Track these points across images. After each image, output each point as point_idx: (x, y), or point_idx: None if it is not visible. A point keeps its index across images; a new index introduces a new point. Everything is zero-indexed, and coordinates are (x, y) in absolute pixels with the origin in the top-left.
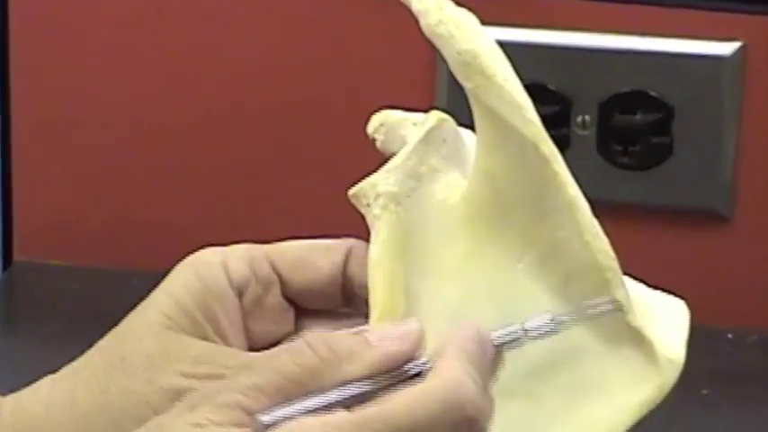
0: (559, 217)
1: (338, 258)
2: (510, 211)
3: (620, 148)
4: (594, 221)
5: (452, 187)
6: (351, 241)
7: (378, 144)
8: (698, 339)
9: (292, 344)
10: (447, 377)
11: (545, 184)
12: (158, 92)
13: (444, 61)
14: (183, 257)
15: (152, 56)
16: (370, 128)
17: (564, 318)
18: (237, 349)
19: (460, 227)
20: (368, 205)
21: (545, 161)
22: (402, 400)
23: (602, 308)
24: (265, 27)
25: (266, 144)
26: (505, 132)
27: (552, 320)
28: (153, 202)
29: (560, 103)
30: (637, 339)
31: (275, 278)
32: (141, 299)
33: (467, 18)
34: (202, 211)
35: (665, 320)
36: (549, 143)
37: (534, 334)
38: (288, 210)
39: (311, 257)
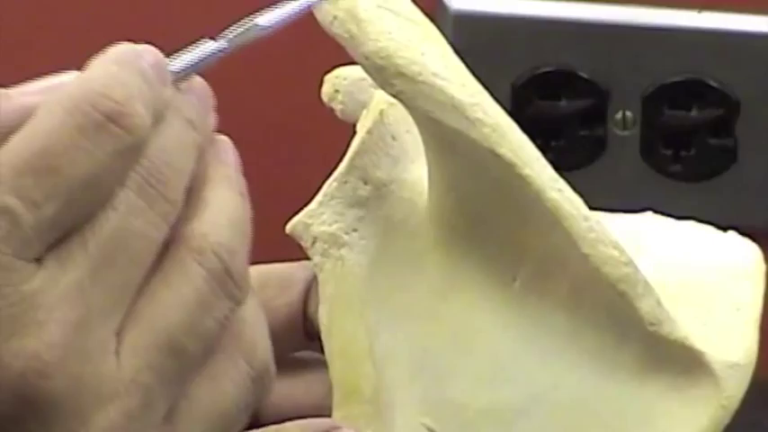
0: (544, 224)
1: (295, 296)
2: (484, 225)
3: (669, 152)
4: (591, 220)
5: (413, 199)
6: (310, 270)
7: (338, 114)
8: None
9: None
10: (72, 83)
11: (516, 191)
12: None
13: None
14: None
15: None
16: (325, 95)
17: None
18: None
19: (430, 252)
20: (307, 249)
21: (508, 166)
22: (22, 131)
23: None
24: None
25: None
26: (452, 138)
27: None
28: None
29: (595, 96)
30: (681, 353)
31: None
32: None
33: (370, 5)
34: None
35: (726, 301)
36: (512, 140)
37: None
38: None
39: (262, 298)
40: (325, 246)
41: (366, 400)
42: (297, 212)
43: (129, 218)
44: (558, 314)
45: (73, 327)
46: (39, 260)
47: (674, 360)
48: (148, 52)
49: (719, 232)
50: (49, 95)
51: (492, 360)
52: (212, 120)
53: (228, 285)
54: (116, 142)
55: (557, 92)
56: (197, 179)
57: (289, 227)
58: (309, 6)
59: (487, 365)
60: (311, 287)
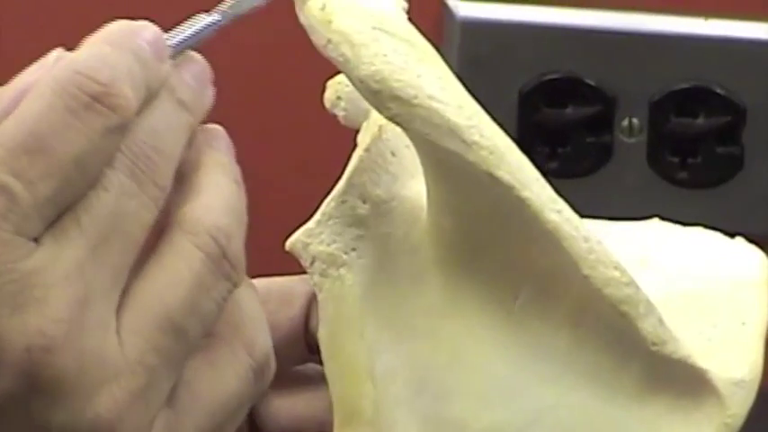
0: (544, 246)
1: (297, 310)
2: (483, 246)
3: (676, 159)
4: (591, 241)
5: (413, 215)
6: (311, 284)
7: (341, 120)
8: None
9: None
10: (59, 65)
11: (515, 213)
12: None
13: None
14: None
15: None
16: (327, 102)
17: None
18: None
19: (430, 269)
20: (306, 268)
21: (507, 188)
22: (14, 113)
23: None
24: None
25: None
26: (450, 160)
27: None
28: None
29: (601, 103)
30: (684, 372)
31: None
32: None
33: (365, 27)
34: None
35: (731, 314)
36: (510, 162)
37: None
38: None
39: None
40: (324, 266)
41: (367, 420)
42: (299, 224)
43: (121, 198)
44: (559, 335)
45: (75, 303)
46: (37, 239)
47: (678, 379)
48: (146, 29)
49: (727, 239)
50: (38, 75)
51: (492, 380)
52: (209, 94)
53: (225, 267)
54: (103, 121)
55: (563, 99)
56: (191, 164)
57: (288, 244)
58: None
59: (488, 385)
60: (312, 301)
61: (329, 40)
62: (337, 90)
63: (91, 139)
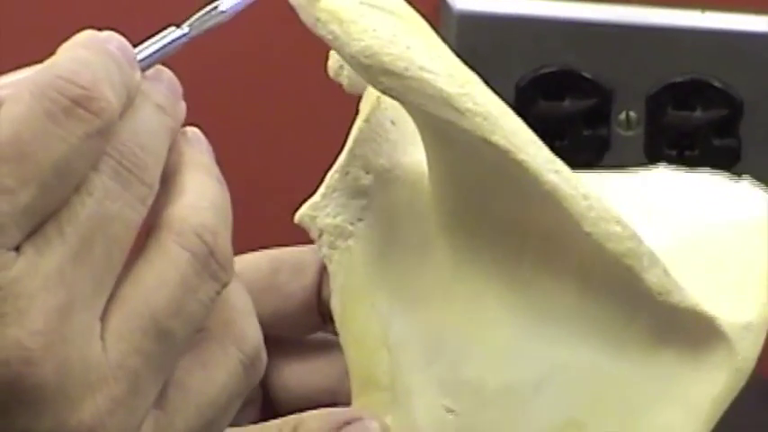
0: (545, 207)
1: (309, 279)
2: (486, 211)
3: (673, 152)
4: (591, 198)
5: (416, 182)
6: None
7: (345, 88)
8: None
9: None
10: (38, 69)
11: (512, 177)
12: None
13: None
14: None
15: None
16: (330, 70)
17: None
18: None
19: (437, 236)
20: (315, 240)
21: (503, 153)
22: None
23: None
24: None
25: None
26: (446, 129)
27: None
28: None
29: (598, 96)
30: (693, 320)
31: None
32: None
33: (352, 3)
34: None
35: (738, 259)
36: (505, 126)
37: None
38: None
39: (276, 283)
40: (332, 238)
41: (383, 387)
42: (304, 199)
43: (105, 202)
44: (566, 292)
45: (56, 313)
46: (17, 248)
47: (686, 328)
48: (113, 38)
49: (732, 182)
50: (18, 85)
51: (504, 340)
52: (182, 107)
53: (212, 266)
54: (85, 126)
55: (560, 92)
56: (172, 166)
57: (297, 217)
58: None
59: (501, 345)
60: (324, 270)
61: (318, 19)
62: (339, 59)
63: (72, 144)
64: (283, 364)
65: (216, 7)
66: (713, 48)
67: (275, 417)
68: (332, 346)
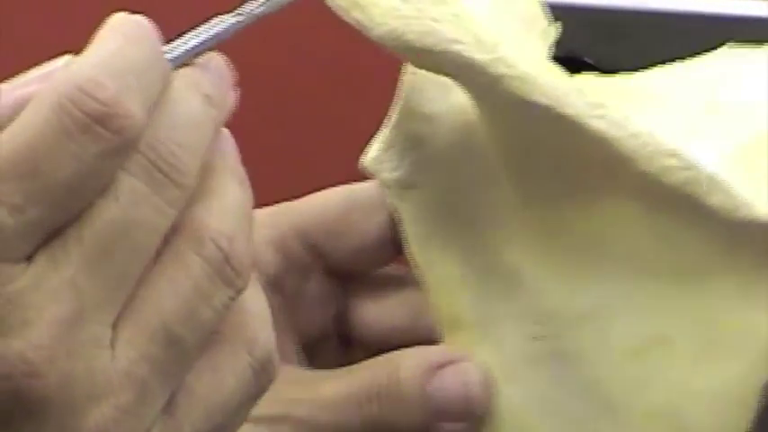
0: (596, 146)
1: (384, 216)
2: (540, 150)
3: None
4: (642, 135)
5: (470, 119)
6: None
7: None
8: None
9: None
10: (58, 77)
11: (560, 129)
12: None
13: None
14: None
15: None
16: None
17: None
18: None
19: (497, 171)
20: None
21: (545, 110)
22: (6, 131)
23: None
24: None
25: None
26: (485, 93)
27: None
28: None
29: None
30: (763, 228)
31: (312, 260)
32: None
33: None
34: None
35: None
36: (542, 83)
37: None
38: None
39: (350, 220)
40: (398, 189)
41: (469, 325)
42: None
43: (132, 206)
44: (629, 223)
45: (62, 324)
46: (29, 258)
47: (756, 241)
48: (144, 26)
49: None
50: (42, 86)
51: (579, 265)
52: (232, 95)
53: (227, 273)
54: (102, 145)
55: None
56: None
57: (360, 165)
58: None
59: (576, 271)
60: None
61: (339, 6)
62: None
63: (86, 162)
64: (361, 300)
65: None
66: (717, 33)
67: (356, 353)
68: (408, 281)
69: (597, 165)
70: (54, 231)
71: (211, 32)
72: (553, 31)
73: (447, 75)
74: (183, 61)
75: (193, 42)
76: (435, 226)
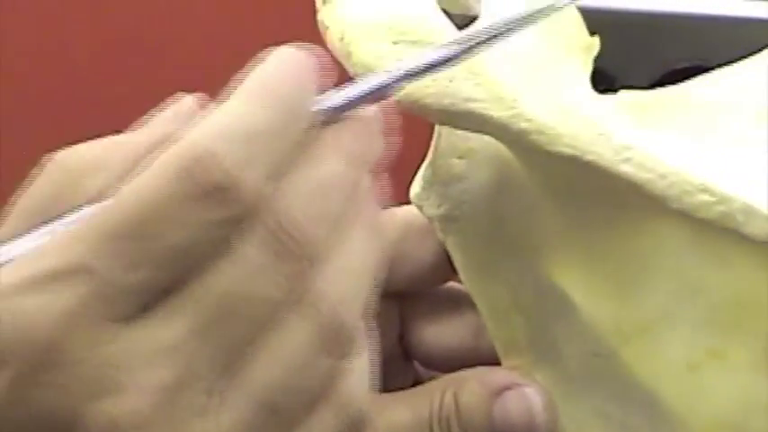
0: (626, 191)
1: (437, 240)
2: (575, 186)
3: None
4: (669, 175)
5: (501, 155)
6: None
7: None
8: None
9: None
10: (185, 139)
11: (588, 174)
12: None
13: None
14: None
15: None
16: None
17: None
18: None
19: (538, 198)
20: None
21: (570, 159)
22: (127, 189)
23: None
24: None
25: None
26: (510, 145)
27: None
28: None
29: (601, 82)
30: None
31: None
32: None
33: (384, 48)
34: None
35: None
36: (564, 133)
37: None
38: None
39: (406, 249)
40: (443, 224)
41: (525, 348)
42: None
43: (245, 279)
44: (676, 234)
45: (161, 390)
46: (130, 319)
47: None
48: (309, 60)
49: None
50: (160, 146)
51: (626, 283)
52: (376, 150)
53: (337, 342)
54: (219, 213)
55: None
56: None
57: (412, 198)
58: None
59: (623, 290)
60: None
61: (356, 74)
62: None
63: (203, 230)
64: (420, 321)
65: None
66: (717, 34)
67: (417, 374)
68: (465, 302)
69: (637, 194)
70: (158, 294)
71: (367, 86)
72: (595, 44)
73: (470, 130)
74: (333, 115)
75: (349, 94)
76: (482, 256)
